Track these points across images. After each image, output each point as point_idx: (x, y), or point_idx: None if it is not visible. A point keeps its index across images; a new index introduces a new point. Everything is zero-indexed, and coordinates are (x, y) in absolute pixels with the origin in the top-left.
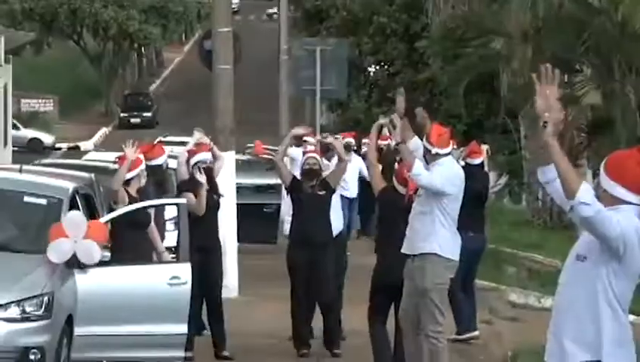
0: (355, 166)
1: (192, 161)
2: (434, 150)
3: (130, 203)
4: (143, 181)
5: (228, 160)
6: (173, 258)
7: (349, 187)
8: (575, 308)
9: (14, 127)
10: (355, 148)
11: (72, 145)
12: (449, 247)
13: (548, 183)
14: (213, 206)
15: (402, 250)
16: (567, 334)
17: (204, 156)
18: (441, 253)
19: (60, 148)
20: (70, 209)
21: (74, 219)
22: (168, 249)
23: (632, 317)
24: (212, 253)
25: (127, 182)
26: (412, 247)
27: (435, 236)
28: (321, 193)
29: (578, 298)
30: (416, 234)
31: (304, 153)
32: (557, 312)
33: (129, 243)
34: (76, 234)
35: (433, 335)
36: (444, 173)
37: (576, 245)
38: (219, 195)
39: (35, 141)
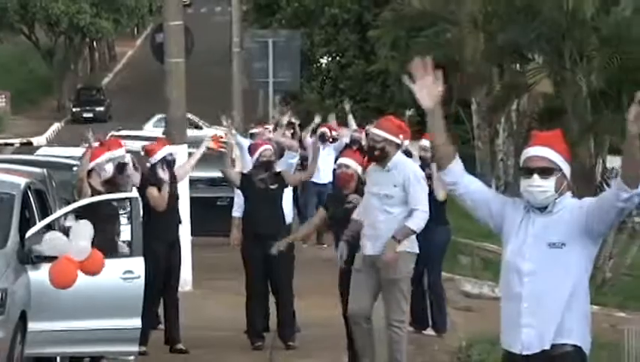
0: (330, 154)
1: (157, 156)
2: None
3: (93, 195)
4: (106, 173)
5: (181, 153)
6: (127, 252)
7: (322, 175)
8: (554, 295)
9: None
10: (331, 139)
11: (24, 140)
12: (414, 242)
13: (455, 184)
14: (176, 200)
15: (365, 252)
16: (548, 321)
17: (167, 151)
18: (410, 250)
19: (12, 144)
20: (23, 204)
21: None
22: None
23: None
24: (174, 246)
25: (88, 174)
26: (379, 248)
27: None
28: (272, 187)
29: (557, 284)
30: (383, 235)
31: (256, 145)
32: (530, 302)
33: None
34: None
35: (397, 324)
36: (423, 189)
37: (534, 234)
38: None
39: None
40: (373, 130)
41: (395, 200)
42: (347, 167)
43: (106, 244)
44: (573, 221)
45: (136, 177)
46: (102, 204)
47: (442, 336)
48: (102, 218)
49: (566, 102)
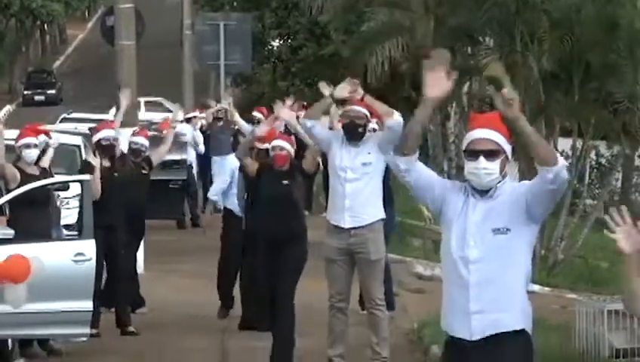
0: None
1: (93, 139)
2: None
3: (25, 180)
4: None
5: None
6: (75, 235)
7: None
8: (503, 281)
9: None
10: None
11: None
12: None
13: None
14: (136, 181)
15: (342, 224)
16: (496, 307)
17: (106, 134)
18: (383, 217)
19: None
20: None
21: None
22: (70, 226)
23: (536, 287)
24: (114, 231)
25: (17, 158)
26: (357, 220)
27: (378, 203)
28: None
29: (504, 271)
30: (363, 201)
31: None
32: (479, 289)
33: (30, 220)
34: None
35: (380, 303)
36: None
37: (476, 220)
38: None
39: None
40: (356, 107)
41: (373, 164)
42: (282, 148)
43: (50, 227)
44: (514, 206)
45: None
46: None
47: (393, 317)
48: (43, 201)
49: (517, 84)
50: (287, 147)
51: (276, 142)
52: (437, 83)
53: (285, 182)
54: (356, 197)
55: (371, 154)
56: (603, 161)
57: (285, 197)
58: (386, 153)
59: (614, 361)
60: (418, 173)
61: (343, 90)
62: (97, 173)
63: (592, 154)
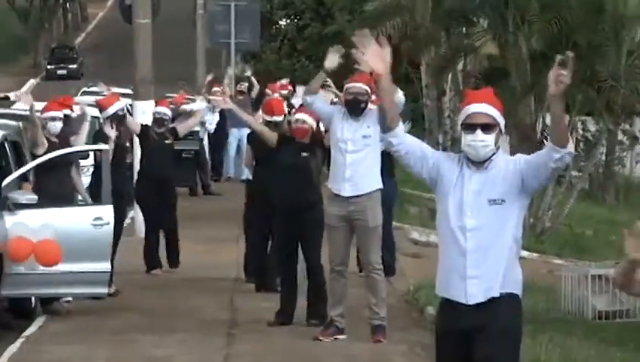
0: None
1: (108, 112)
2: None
3: (49, 148)
4: (55, 128)
5: (147, 109)
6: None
7: None
8: (497, 249)
9: None
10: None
11: (2, 95)
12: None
13: (399, 145)
14: (158, 148)
15: (343, 193)
16: (491, 273)
17: (119, 107)
18: (380, 186)
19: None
20: None
21: None
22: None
23: (525, 253)
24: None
25: (43, 128)
26: (357, 188)
27: (376, 174)
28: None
29: (499, 239)
30: (365, 170)
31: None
32: (475, 255)
33: (53, 186)
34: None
35: (378, 267)
36: None
37: (472, 190)
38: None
39: None
40: (358, 84)
41: (372, 137)
42: (304, 122)
43: (70, 193)
44: (509, 178)
45: (135, 125)
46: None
47: (391, 281)
48: (65, 169)
49: (509, 63)
50: (309, 121)
51: (298, 115)
52: (378, 57)
53: (305, 154)
54: (356, 167)
55: (371, 127)
56: (589, 135)
57: (303, 168)
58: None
59: (597, 322)
60: (409, 146)
61: (331, 61)
62: (111, 143)
63: (579, 129)
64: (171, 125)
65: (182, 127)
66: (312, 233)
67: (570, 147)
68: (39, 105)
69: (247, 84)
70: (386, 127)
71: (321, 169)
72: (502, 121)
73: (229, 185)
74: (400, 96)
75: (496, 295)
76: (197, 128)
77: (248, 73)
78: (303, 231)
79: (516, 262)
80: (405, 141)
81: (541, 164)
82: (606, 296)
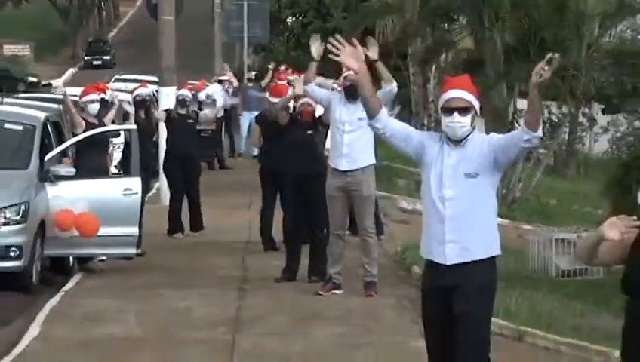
0: None
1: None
2: None
3: (87, 128)
4: (93, 110)
5: (171, 93)
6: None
7: None
8: (472, 217)
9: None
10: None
11: (45, 82)
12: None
13: (384, 128)
14: (181, 128)
15: (341, 167)
16: (467, 237)
17: (142, 91)
18: (374, 162)
19: (38, 84)
20: (42, 133)
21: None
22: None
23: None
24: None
25: (82, 110)
26: (353, 163)
27: (370, 151)
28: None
29: (474, 208)
30: (359, 148)
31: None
32: (453, 222)
33: (90, 160)
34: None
35: (371, 231)
36: None
37: (451, 165)
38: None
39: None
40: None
41: (366, 119)
42: (309, 105)
43: (105, 167)
44: (483, 154)
45: (160, 115)
46: (101, 134)
47: (381, 240)
48: (101, 145)
49: (484, 55)
50: (314, 104)
51: (305, 100)
52: (351, 57)
53: (310, 132)
54: (352, 145)
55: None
56: (553, 117)
57: (308, 143)
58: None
59: (560, 279)
60: (394, 129)
61: (315, 49)
62: (132, 119)
63: (545, 112)
64: (194, 109)
65: (202, 117)
66: (318, 200)
67: (540, 132)
68: (77, 90)
69: (254, 73)
70: (369, 115)
71: (324, 143)
72: (477, 105)
73: (241, 160)
74: (394, 86)
75: (473, 257)
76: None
77: (271, 66)
78: (310, 199)
79: (492, 227)
80: (389, 125)
81: (512, 144)
82: (568, 256)
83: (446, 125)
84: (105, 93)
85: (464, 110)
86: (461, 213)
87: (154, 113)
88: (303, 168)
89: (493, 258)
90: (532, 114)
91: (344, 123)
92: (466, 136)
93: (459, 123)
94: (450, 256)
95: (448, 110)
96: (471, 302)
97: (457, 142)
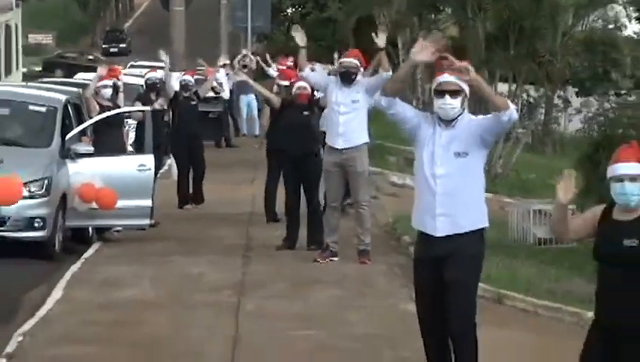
0: None
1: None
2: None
3: (101, 111)
4: (107, 94)
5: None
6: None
7: None
8: (462, 193)
9: None
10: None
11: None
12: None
13: (394, 107)
14: (186, 109)
15: (337, 146)
16: (457, 212)
17: (152, 75)
18: (367, 141)
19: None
20: (63, 114)
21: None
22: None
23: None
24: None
25: (96, 94)
26: (348, 142)
27: (364, 131)
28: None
29: (464, 185)
30: (354, 128)
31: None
32: (444, 197)
33: (107, 139)
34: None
35: (366, 204)
36: None
37: (442, 144)
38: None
39: None
40: (349, 59)
41: (360, 102)
42: (305, 88)
43: (121, 145)
44: (471, 135)
45: (170, 90)
46: (117, 115)
47: (374, 214)
48: (116, 125)
49: (467, 42)
50: (308, 88)
51: (300, 84)
52: (423, 52)
53: (305, 113)
54: (347, 125)
55: (359, 93)
56: (531, 100)
57: (304, 124)
58: (372, 95)
59: (537, 248)
60: (398, 109)
61: (300, 38)
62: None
63: (524, 95)
64: (194, 89)
65: (201, 90)
66: (313, 176)
67: (512, 106)
68: (91, 75)
69: (249, 59)
70: (383, 90)
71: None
72: (467, 88)
73: (245, 139)
74: (390, 74)
75: (462, 230)
76: (221, 95)
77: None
78: (306, 175)
79: (480, 201)
80: (395, 104)
81: (494, 123)
82: (545, 226)
83: (439, 107)
84: (118, 78)
85: (455, 93)
86: (451, 189)
87: (167, 88)
88: (299, 147)
89: (481, 230)
90: (490, 103)
91: (340, 105)
92: (457, 117)
93: (450, 104)
94: (441, 228)
95: (440, 93)
96: (461, 271)
97: (448, 122)
